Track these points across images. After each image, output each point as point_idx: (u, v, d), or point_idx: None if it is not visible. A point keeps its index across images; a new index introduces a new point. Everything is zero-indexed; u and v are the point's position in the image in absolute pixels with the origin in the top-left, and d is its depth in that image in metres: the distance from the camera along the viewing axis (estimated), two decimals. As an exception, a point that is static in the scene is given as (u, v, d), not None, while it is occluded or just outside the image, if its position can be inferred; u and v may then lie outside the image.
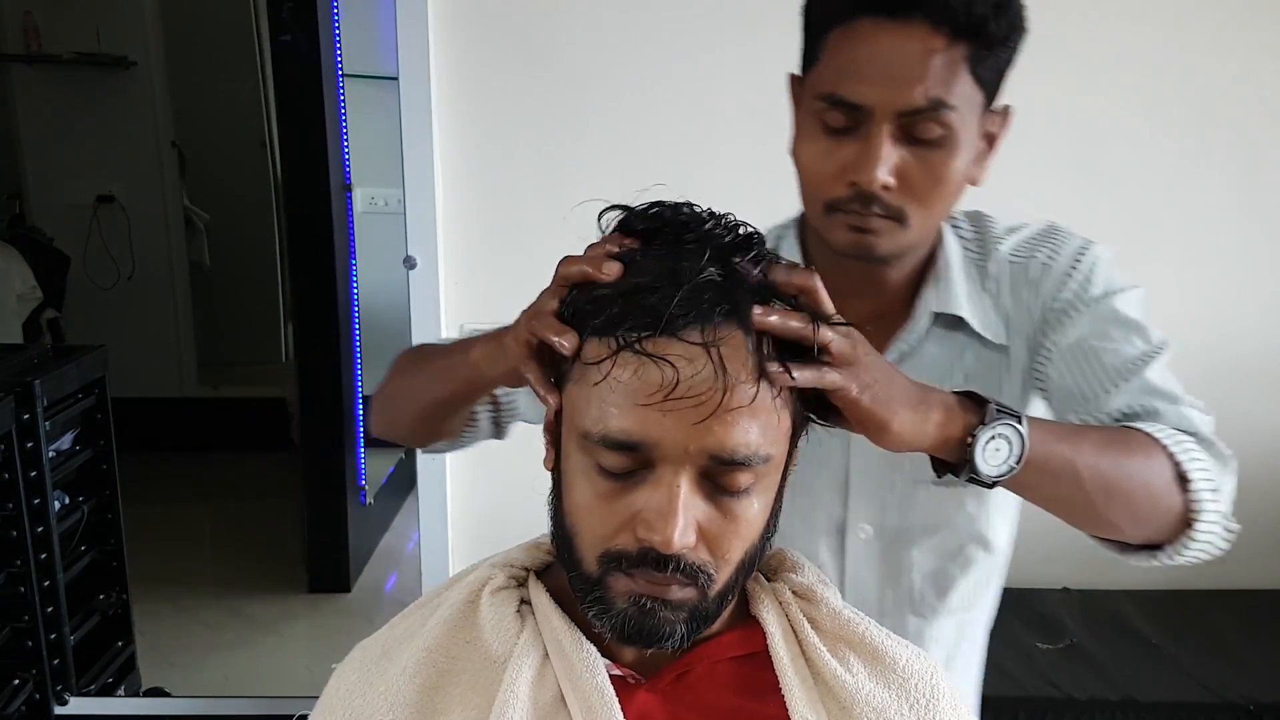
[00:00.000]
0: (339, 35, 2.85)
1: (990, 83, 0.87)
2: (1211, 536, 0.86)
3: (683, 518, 0.67)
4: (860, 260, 0.91)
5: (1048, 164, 2.18)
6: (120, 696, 2.36)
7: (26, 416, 2.05)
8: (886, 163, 0.84)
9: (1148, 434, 0.86)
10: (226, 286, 4.30)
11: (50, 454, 2.13)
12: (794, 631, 0.80)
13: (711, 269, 0.68)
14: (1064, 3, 2.08)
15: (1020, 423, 0.77)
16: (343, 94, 2.89)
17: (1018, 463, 0.78)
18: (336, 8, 2.82)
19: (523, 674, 0.74)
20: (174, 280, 4.08)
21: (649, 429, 0.66)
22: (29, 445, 2.06)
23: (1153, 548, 0.89)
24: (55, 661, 2.14)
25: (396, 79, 1.92)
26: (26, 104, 3.85)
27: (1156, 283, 2.30)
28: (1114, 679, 1.90)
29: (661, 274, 0.68)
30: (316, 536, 3.05)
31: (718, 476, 0.68)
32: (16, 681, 2.09)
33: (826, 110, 0.86)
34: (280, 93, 3.05)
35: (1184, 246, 2.22)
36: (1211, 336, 2.22)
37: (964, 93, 0.84)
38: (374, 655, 0.79)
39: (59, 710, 2.15)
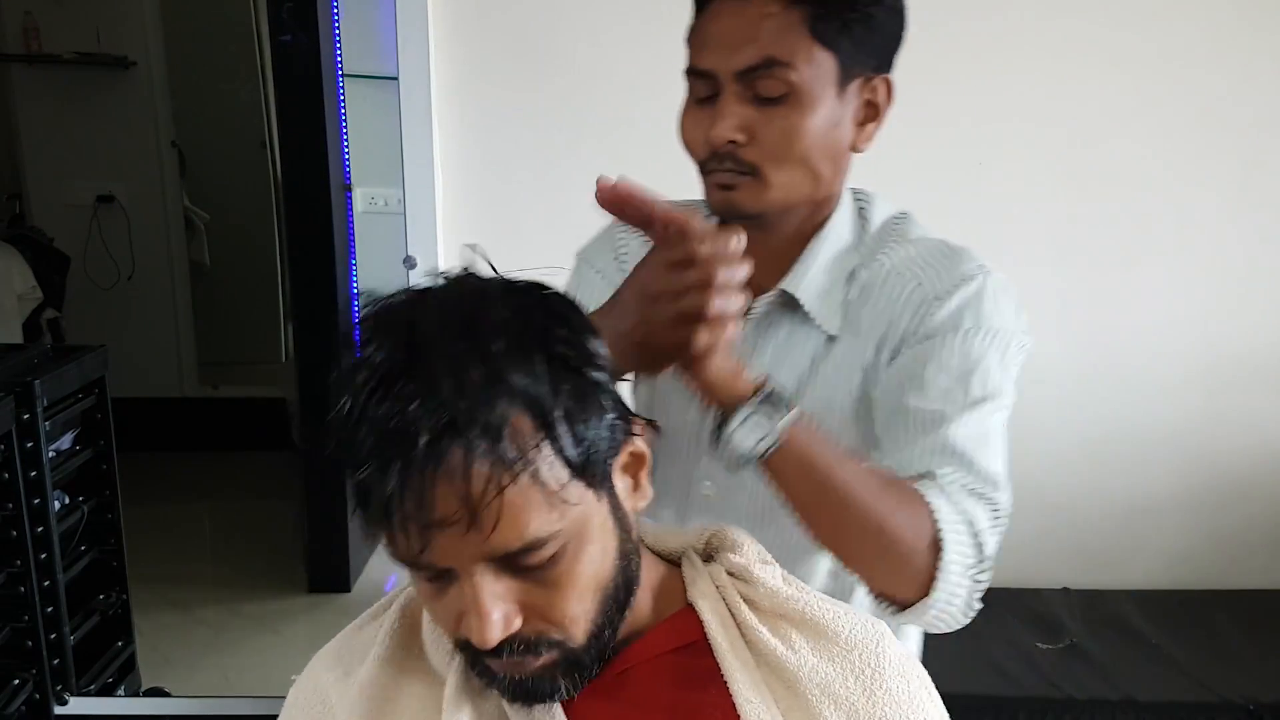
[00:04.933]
0: (339, 35, 2.84)
1: (843, 46, 0.91)
2: (951, 609, 0.87)
3: (495, 612, 0.66)
4: (730, 217, 0.95)
5: (1047, 164, 2.18)
6: (120, 696, 2.36)
7: (26, 416, 2.05)
8: (729, 119, 0.92)
9: (922, 495, 0.86)
10: (226, 286, 4.30)
11: (50, 454, 2.13)
12: (732, 615, 0.78)
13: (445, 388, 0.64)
14: (1063, 4, 2.08)
15: (782, 414, 0.80)
16: (343, 94, 2.89)
17: (773, 446, 0.80)
18: (336, 8, 2.82)
19: (465, 680, 0.76)
20: (174, 280, 4.08)
21: (432, 555, 0.66)
22: (29, 445, 2.06)
23: (903, 605, 0.89)
24: (55, 661, 2.13)
25: (396, 79, 1.92)
26: (26, 104, 3.85)
27: (1153, 283, 2.32)
28: (1114, 679, 1.90)
29: (383, 438, 0.65)
30: (316, 536, 3.04)
31: (516, 561, 0.67)
32: (16, 681, 2.09)
33: (692, 82, 0.96)
34: (280, 93, 3.05)
35: (1181, 247, 2.22)
36: (1208, 336, 2.22)
37: (805, 52, 0.90)
38: (327, 664, 0.83)
39: (59, 710, 2.15)
